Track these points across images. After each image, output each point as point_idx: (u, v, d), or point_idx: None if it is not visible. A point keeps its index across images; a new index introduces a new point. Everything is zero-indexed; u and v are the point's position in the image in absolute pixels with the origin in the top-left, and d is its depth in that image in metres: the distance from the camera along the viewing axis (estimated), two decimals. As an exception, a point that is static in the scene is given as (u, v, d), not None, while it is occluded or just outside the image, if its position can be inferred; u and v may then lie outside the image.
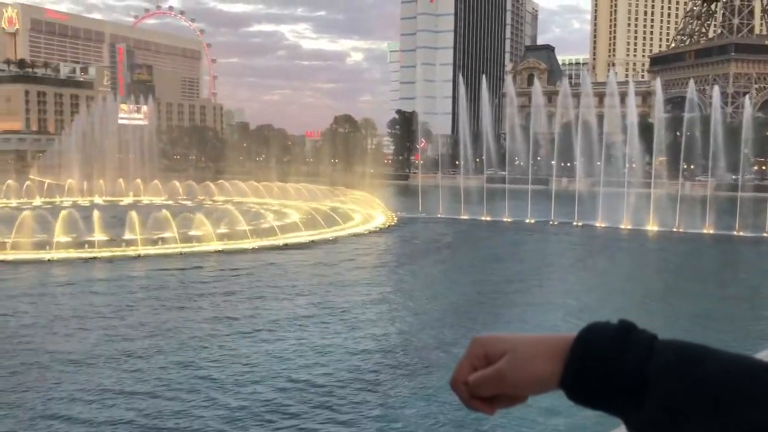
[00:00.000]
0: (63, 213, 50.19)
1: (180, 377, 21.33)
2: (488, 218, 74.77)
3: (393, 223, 68.98)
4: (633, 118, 79.53)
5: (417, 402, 19.65)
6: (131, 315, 29.95)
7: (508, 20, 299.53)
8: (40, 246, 45.94)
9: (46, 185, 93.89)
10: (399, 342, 26.32)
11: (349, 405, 18.93)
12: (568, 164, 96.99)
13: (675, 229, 66.21)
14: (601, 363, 1.15)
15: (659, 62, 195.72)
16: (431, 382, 21.10)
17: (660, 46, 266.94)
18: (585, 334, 1.20)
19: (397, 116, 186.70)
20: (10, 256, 43.66)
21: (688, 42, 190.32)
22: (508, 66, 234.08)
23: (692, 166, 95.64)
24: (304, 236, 55.49)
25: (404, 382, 21.22)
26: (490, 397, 1.27)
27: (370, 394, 19.95)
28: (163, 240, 49.78)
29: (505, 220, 73.69)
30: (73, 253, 45.25)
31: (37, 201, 73.49)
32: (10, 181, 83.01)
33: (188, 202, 67.53)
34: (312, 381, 20.82)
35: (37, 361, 22.89)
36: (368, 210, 71.29)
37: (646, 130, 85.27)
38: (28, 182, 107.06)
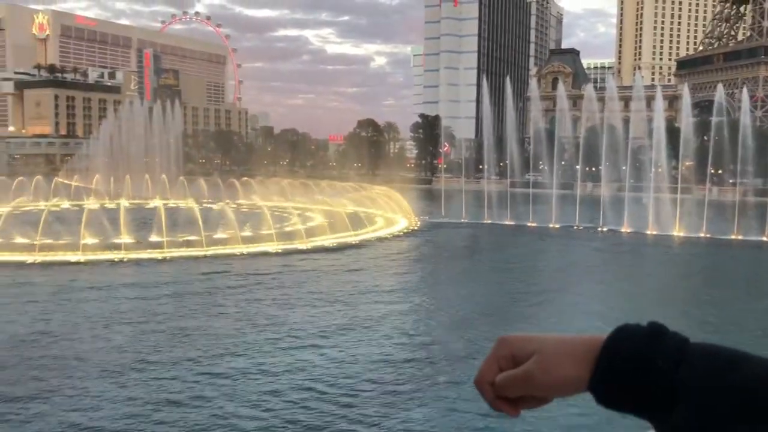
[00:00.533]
0: (90, 215, 50.92)
1: (201, 384, 21.46)
2: (512, 223, 74.37)
3: (416, 227, 68.92)
4: (660, 122, 78.57)
5: (441, 411, 19.56)
6: (155, 319, 30.23)
7: (533, 24, 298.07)
8: (68, 248, 46.64)
9: (73, 188, 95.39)
10: (423, 349, 26.23)
11: (370, 415, 18.86)
12: (593, 169, 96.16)
13: (702, 235, 65.25)
14: (631, 366, 1.13)
15: (686, 66, 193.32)
16: (454, 391, 20.99)
17: (687, 49, 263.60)
18: (615, 336, 1.17)
19: (420, 120, 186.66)
20: (38, 258, 44.37)
21: (716, 45, 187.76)
22: (533, 70, 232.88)
23: (720, 171, 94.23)
24: (328, 240, 55.67)
25: (427, 391, 21.12)
26: (515, 398, 1.25)
27: (393, 403, 19.87)
28: (189, 242, 50.27)
29: (528, 224, 73.22)
30: (100, 256, 45.86)
31: (65, 203, 74.60)
32: (38, 178, 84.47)
33: (213, 205, 68.06)
34: (333, 390, 20.76)
35: (63, 365, 23.19)
36: (391, 214, 71.27)
37: (672, 134, 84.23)
38: (55, 185, 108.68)
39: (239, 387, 20.91)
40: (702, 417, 1.07)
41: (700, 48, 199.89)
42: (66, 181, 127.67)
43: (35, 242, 46.40)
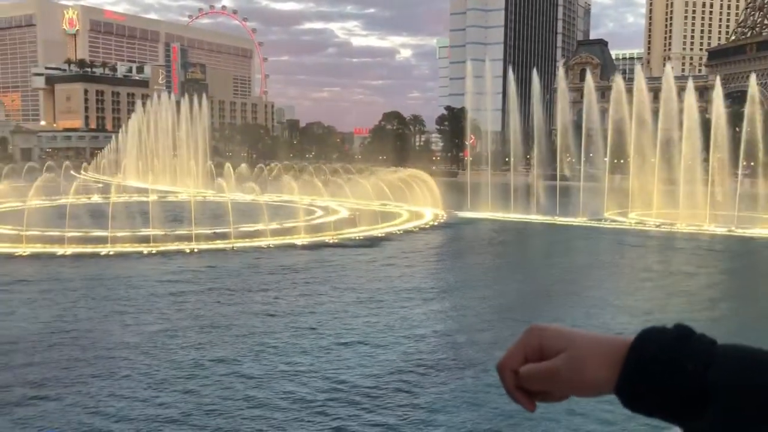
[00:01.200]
0: (118, 208, 51.57)
1: (227, 377, 21.61)
2: (539, 215, 73.71)
3: (442, 220, 68.65)
4: (691, 113, 77.14)
5: (460, 406, 19.41)
6: (183, 310, 30.51)
7: (560, 15, 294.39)
8: (97, 241, 47.29)
9: (101, 181, 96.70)
10: (446, 343, 26.11)
11: (388, 408, 18.78)
12: (622, 161, 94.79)
13: (734, 228, 63.97)
14: (659, 369, 1.11)
15: (718, 56, 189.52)
16: (474, 385, 20.84)
17: (719, 39, 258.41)
18: (642, 338, 1.16)
19: (446, 112, 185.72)
20: (68, 250, 45.03)
21: (749, 34, 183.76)
22: (560, 61, 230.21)
23: (752, 163, 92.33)
24: (354, 232, 55.71)
25: (448, 385, 20.98)
26: (534, 391, 1.24)
27: (412, 396, 19.78)
28: (217, 235, 50.68)
29: (556, 217, 72.51)
30: (129, 248, 46.41)
31: (95, 197, 75.66)
32: (68, 171, 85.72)
33: (240, 198, 68.54)
34: (354, 382, 20.71)
35: (94, 356, 23.50)
36: (417, 207, 71.08)
37: (703, 125, 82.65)
38: (85, 177, 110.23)
39: (262, 382, 20.98)
40: (731, 419, 1.06)
41: (733, 37, 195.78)
42: (96, 175, 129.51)
43: (65, 234, 47.11)
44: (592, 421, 17.46)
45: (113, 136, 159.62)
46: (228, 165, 65.06)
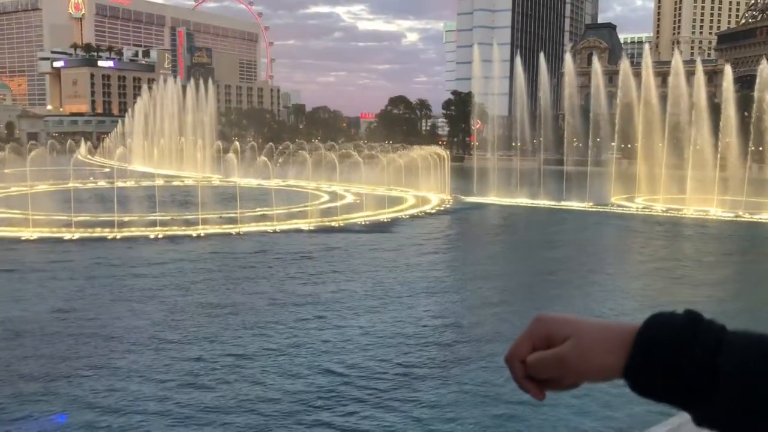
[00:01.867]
0: (124, 192, 51.72)
1: (229, 365, 21.70)
2: (545, 201, 73.53)
3: (448, 205, 68.59)
4: (700, 97, 76.55)
5: (468, 393, 19.45)
6: (189, 295, 30.63)
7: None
8: (104, 225, 47.49)
9: (107, 166, 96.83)
10: (451, 330, 26.12)
11: (388, 398, 18.74)
12: (629, 146, 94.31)
13: (741, 213, 63.65)
14: (667, 354, 1.11)
15: (727, 40, 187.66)
16: (484, 372, 20.87)
17: (729, 23, 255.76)
18: (650, 323, 1.15)
19: (452, 97, 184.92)
20: (76, 234, 45.21)
21: (759, 18, 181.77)
22: (568, 45, 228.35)
23: (760, 149, 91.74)
24: (360, 217, 55.74)
25: (452, 373, 21.00)
26: (543, 380, 1.24)
27: (417, 385, 19.78)
28: (223, 219, 50.80)
29: (562, 202, 72.32)
30: (136, 232, 46.59)
31: (102, 182, 75.87)
32: (76, 156, 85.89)
33: (246, 182, 68.61)
34: (356, 371, 20.62)
35: (99, 342, 23.65)
36: (424, 192, 71.03)
37: (712, 110, 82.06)
38: (91, 161, 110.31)
39: (265, 365, 21.06)
40: (740, 404, 1.06)
41: (743, 21, 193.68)
42: (102, 159, 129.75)
43: (72, 218, 47.30)
44: (598, 404, 17.50)
45: (119, 121, 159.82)
46: (235, 148, 65.18)
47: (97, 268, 36.24)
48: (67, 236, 44.71)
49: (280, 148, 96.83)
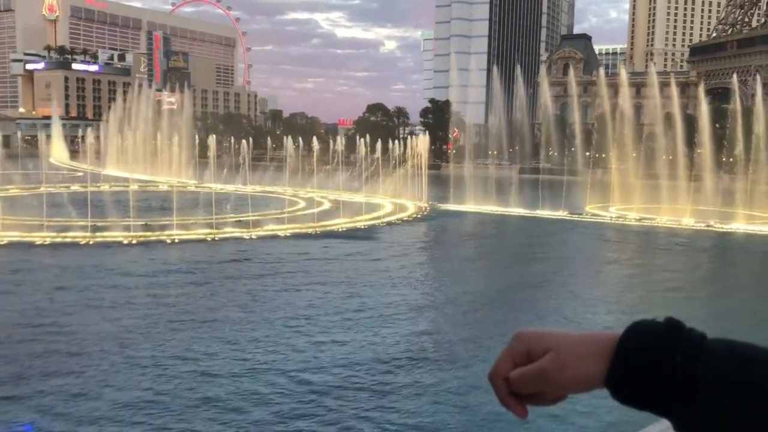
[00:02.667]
0: (98, 197, 51.00)
1: (199, 373, 21.45)
2: (520, 209, 74.01)
3: (425, 213, 68.73)
4: (673, 108, 77.81)
5: (444, 404, 19.42)
6: (162, 303, 30.22)
7: (544, 9, 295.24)
8: (77, 230, 46.74)
9: (81, 170, 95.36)
10: (425, 338, 26.11)
11: (365, 409, 18.64)
12: (603, 155, 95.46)
13: (713, 223, 64.61)
14: (648, 362, 1.11)
15: (699, 52, 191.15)
16: (460, 382, 20.87)
17: (700, 35, 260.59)
18: (631, 331, 1.15)
19: (430, 105, 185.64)
20: (48, 239, 44.43)
21: (730, 31, 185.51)
22: (544, 55, 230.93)
23: (731, 160, 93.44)
24: (337, 224, 55.58)
25: (430, 382, 20.96)
26: (527, 396, 1.24)
27: (393, 396, 19.71)
28: (198, 225, 50.30)
29: (537, 210, 72.86)
30: (108, 237, 45.93)
31: (75, 186, 74.76)
32: (50, 160, 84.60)
33: (222, 188, 68.09)
34: (332, 382, 20.45)
35: (70, 349, 23.23)
36: (400, 200, 71.13)
37: (685, 121, 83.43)
38: (64, 165, 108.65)
39: (234, 380, 20.79)
40: (720, 412, 1.06)
41: (714, 34, 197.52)
42: (75, 164, 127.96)
43: (43, 223, 46.50)
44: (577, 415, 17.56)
45: (94, 125, 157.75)
46: (211, 153, 64.63)
47: (69, 273, 35.62)
48: (38, 241, 43.93)
49: (257, 153, 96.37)
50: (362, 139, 76.64)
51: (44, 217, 47.25)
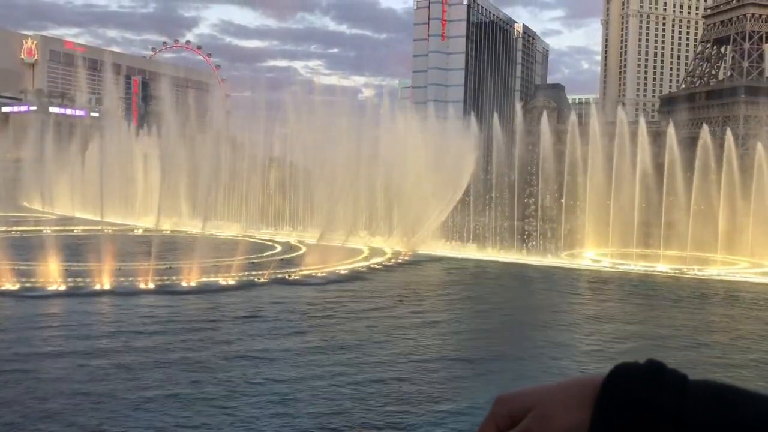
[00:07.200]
0: (69, 241, 50.31)
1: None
2: (497, 254, 74.39)
3: (405, 257, 68.80)
4: (644, 156, 79.47)
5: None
6: (132, 352, 29.64)
7: (519, 59, 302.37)
8: (47, 275, 45.98)
9: (54, 214, 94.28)
10: (406, 385, 25.87)
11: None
12: (579, 202, 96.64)
13: (685, 269, 65.49)
14: (632, 407, 1.10)
15: (669, 103, 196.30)
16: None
17: (670, 86, 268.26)
18: (613, 375, 1.15)
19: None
20: (16, 285, 43.55)
21: (698, 83, 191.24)
22: (518, 105, 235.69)
23: (702, 207, 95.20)
24: (315, 269, 55.26)
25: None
26: None
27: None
28: (173, 270, 49.63)
29: (519, 256, 73.33)
30: (81, 284, 45.15)
31: (47, 229, 73.76)
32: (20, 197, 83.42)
33: (198, 231, 67.62)
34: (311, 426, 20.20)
35: (33, 397, 22.65)
36: (376, 244, 71.20)
37: (656, 169, 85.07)
38: (37, 209, 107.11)
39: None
40: None
41: (683, 86, 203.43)
42: (46, 207, 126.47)
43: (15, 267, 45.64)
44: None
45: (69, 168, 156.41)
46: (188, 196, 64.22)
47: (37, 320, 34.84)
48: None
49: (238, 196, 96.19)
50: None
51: (15, 261, 46.38)
